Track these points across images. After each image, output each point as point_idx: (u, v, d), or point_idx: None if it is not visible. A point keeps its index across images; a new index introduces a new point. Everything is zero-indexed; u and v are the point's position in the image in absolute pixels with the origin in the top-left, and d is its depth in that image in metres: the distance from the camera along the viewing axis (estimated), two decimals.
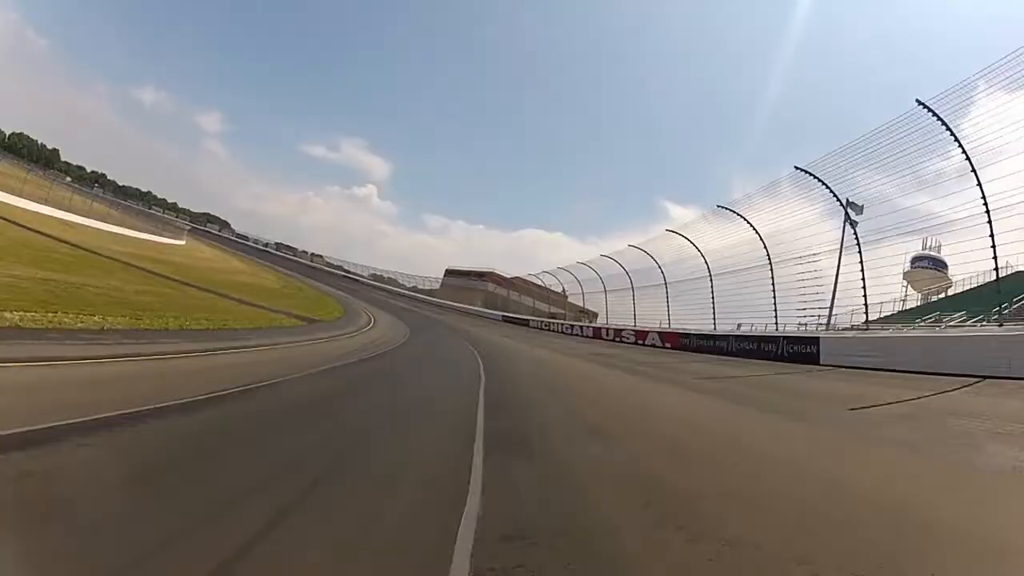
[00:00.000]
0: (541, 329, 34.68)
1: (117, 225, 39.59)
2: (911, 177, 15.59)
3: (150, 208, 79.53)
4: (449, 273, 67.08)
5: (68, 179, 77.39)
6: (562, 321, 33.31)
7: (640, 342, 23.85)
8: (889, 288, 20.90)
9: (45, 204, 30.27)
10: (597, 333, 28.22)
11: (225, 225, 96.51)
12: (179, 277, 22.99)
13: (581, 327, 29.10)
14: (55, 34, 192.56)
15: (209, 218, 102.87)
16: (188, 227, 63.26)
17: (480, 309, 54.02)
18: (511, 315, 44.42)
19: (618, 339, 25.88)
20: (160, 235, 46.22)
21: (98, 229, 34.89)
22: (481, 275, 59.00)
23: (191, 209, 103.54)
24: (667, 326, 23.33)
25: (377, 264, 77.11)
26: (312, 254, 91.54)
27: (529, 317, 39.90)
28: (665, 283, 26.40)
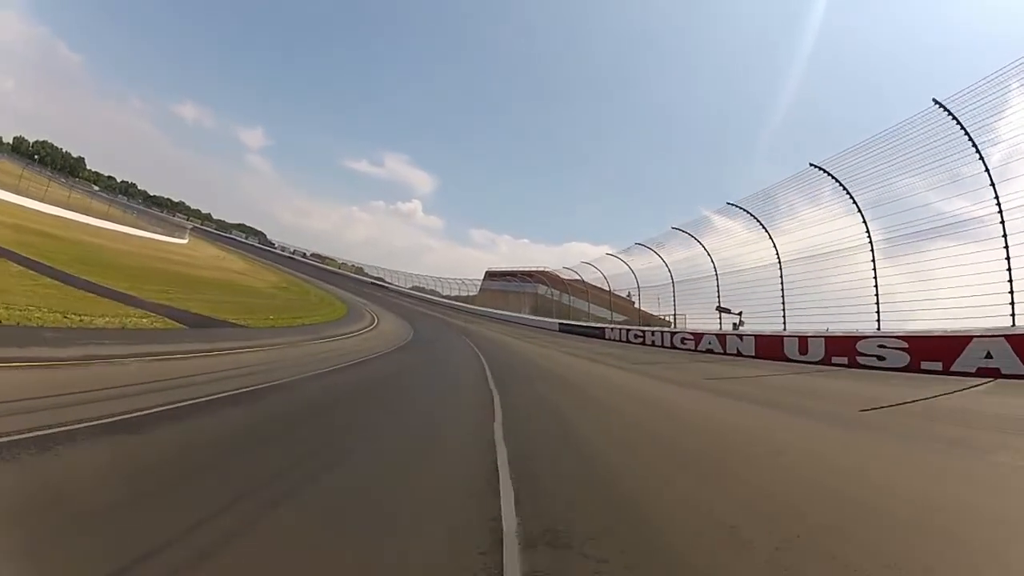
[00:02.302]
0: (626, 342, 21.81)
1: (91, 216, 33.95)
2: None
3: (174, 215, 76.48)
4: (490, 275, 55.26)
5: (96, 188, 75.35)
6: (668, 330, 19.99)
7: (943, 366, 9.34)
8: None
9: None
10: (771, 348, 13.53)
11: (254, 234, 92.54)
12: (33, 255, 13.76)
13: (721, 338, 15.64)
14: (89, 50, 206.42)
15: (243, 228, 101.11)
16: (190, 227, 62.23)
17: (528, 316, 41.58)
18: (573, 323, 31.57)
19: (847, 359, 11.38)
20: (143, 229, 40.57)
21: (41, 211, 27.63)
22: (529, 275, 46.51)
23: (226, 220, 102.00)
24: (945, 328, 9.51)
25: (421, 273, 68.80)
26: (344, 263, 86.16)
27: (603, 325, 26.92)
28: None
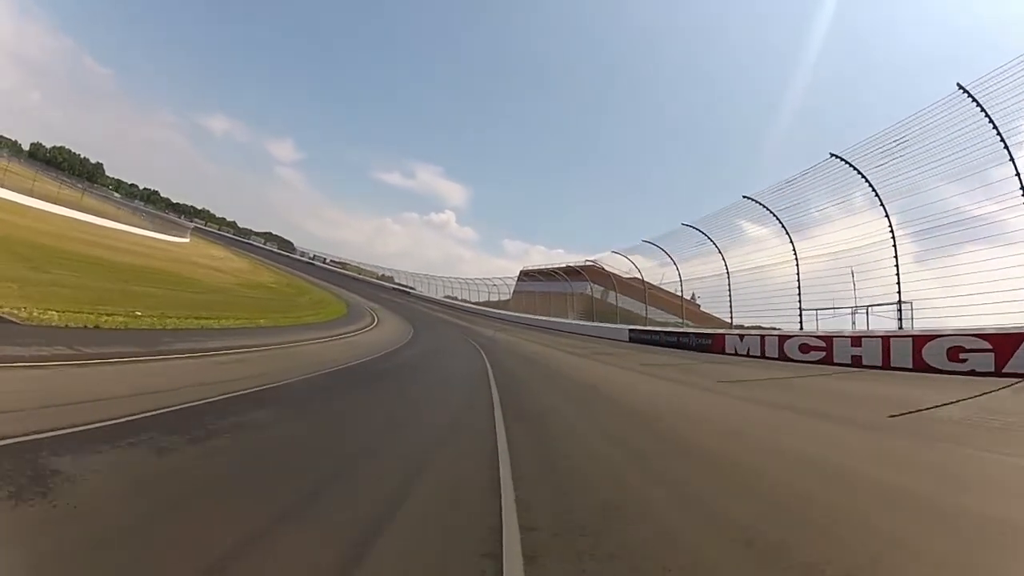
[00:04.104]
0: (779, 359, 12.57)
1: (79, 211, 31.31)
2: None
3: (191, 220, 74.20)
4: (526, 275, 46.63)
5: (117, 195, 73.80)
6: (908, 333, 10.35)
7: None
8: None
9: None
10: None
11: (274, 240, 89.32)
12: None
13: None
14: (118, 64, 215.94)
15: (269, 236, 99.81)
16: (192, 227, 61.31)
17: (581, 323, 32.59)
18: (658, 329, 22.41)
19: None
20: (136, 227, 38.08)
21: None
22: (578, 272, 37.53)
23: (252, 228, 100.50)
24: None
25: (446, 276, 63.47)
26: (364, 269, 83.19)
27: (720, 331, 17.38)
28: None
